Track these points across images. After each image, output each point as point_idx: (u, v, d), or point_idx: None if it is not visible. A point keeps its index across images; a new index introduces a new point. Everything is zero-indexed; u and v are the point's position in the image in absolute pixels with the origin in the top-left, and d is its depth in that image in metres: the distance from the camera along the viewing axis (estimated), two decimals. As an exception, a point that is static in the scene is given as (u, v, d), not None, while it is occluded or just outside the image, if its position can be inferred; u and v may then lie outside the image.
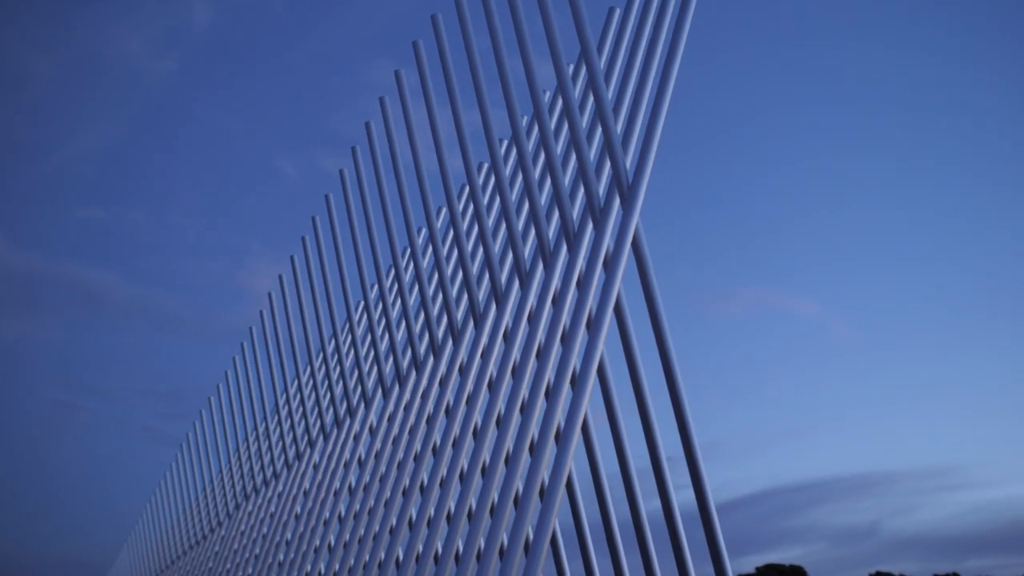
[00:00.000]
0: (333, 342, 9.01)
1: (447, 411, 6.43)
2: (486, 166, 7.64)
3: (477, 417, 5.88)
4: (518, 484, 4.75)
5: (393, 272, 8.01)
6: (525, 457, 4.74)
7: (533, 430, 4.77)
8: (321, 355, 9.29)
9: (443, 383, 6.54)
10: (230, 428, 12.21)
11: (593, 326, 4.88)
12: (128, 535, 21.65)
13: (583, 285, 5.15)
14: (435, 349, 6.94)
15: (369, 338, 8.08)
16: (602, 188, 5.42)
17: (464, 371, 6.30)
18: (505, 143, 7.47)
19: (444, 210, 8.25)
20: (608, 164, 5.45)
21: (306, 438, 9.54)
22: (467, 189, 7.28)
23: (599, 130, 5.83)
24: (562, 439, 4.51)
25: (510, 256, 6.27)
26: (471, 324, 6.49)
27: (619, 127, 5.49)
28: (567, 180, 5.81)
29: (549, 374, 4.98)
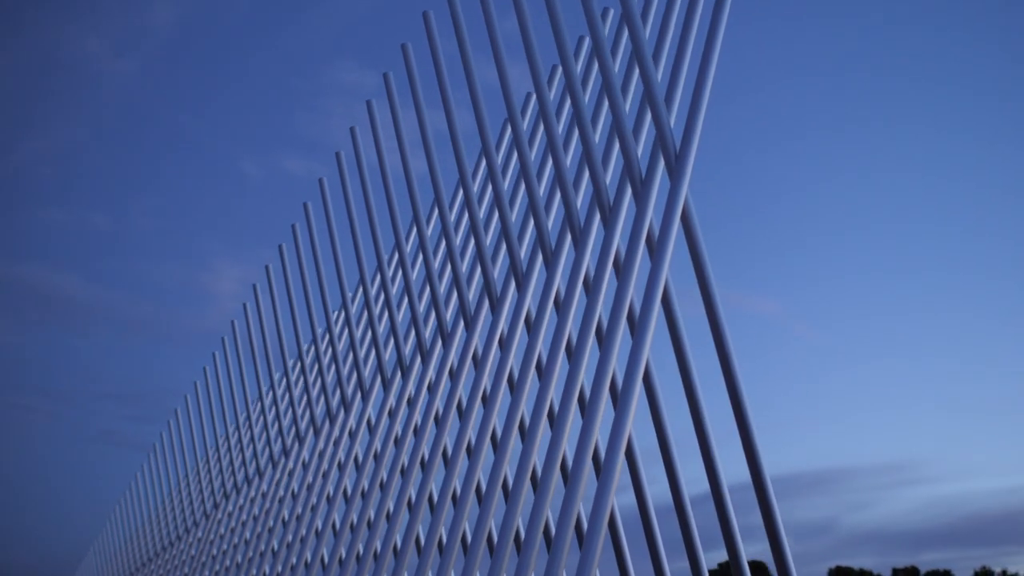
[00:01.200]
0: (312, 350, 8.74)
1: (415, 432, 6.20)
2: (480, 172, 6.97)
3: (446, 441, 5.62)
4: (490, 524, 4.54)
5: (378, 278, 7.68)
6: (498, 495, 4.51)
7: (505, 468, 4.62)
8: (286, 372, 9.09)
9: (432, 388, 6.09)
10: (207, 430, 11.69)
11: (638, 328, 4.10)
12: (93, 540, 21.25)
13: (593, 287, 4.54)
14: (423, 354, 6.52)
15: (351, 342, 7.71)
16: (640, 152, 4.68)
17: (455, 377, 5.74)
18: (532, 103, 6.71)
19: (436, 213, 7.29)
20: (643, 128, 4.79)
21: (264, 455, 9.45)
22: (462, 192, 6.50)
23: (633, 85, 5.13)
24: (540, 483, 4.09)
25: (503, 256, 6.10)
26: (462, 327, 6.04)
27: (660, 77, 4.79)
28: (595, 150, 4.95)
29: (551, 393, 4.58)
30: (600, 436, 4.59)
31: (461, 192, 6.76)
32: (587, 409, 4.23)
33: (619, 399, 4.22)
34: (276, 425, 9.22)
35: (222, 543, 9.79)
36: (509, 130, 6.73)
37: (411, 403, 6.40)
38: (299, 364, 8.77)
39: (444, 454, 5.63)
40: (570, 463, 5.08)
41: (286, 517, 8.02)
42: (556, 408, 4.80)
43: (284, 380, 9.23)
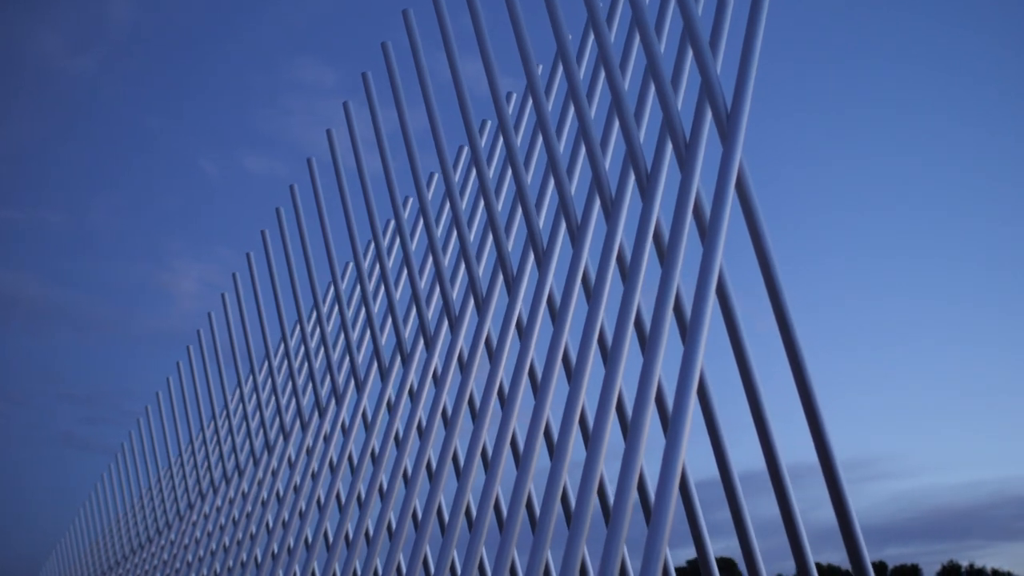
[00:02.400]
0: (267, 368, 8.82)
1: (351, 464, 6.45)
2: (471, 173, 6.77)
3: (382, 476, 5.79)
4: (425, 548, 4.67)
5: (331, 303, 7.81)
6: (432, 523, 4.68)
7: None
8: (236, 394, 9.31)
9: (369, 422, 6.27)
10: (169, 439, 11.58)
11: (695, 315, 3.70)
12: (54, 543, 20.60)
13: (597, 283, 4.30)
14: (360, 382, 6.68)
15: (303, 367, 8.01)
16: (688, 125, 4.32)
17: (416, 396, 5.84)
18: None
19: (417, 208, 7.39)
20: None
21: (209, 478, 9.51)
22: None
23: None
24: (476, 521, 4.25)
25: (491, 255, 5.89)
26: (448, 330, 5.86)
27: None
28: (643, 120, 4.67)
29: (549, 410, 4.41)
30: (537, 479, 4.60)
31: (450, 207, 6.17)
32: (522, 455, 4.16)
33: (589, 433, 4.15)
34: (239, 434, 9.13)
35: (185, 554, 9.55)
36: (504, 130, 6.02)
37: (345, 432, 6.58)
38: (267, 369, 8.62)
39: (380, 489, 5.86)
40: (504, 507, 5.19)
41: (240, 537, 8.06)
42: (489, 450, 5.05)
43: (252, 387, 9.04)
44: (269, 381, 8.62)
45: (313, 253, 7.33)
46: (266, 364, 8.66)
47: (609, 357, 3.99)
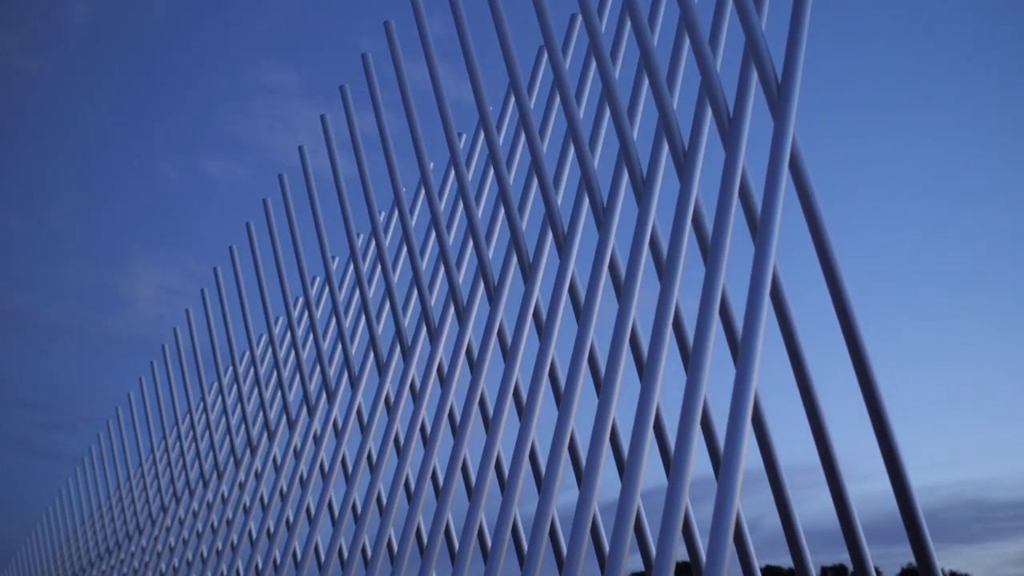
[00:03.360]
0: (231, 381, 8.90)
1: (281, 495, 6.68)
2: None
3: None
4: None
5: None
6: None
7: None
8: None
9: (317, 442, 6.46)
10: (128, 451, 11.42)
11: (752, 309, 3.34)
12: (13, 551, 19.89)
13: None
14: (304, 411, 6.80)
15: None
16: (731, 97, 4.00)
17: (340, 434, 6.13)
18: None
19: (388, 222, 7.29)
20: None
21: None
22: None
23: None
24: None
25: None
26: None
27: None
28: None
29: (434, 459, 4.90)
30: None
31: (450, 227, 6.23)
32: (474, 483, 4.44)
33: (542, 474, 4.48)
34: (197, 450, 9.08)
35: (159, 562, 9.30)
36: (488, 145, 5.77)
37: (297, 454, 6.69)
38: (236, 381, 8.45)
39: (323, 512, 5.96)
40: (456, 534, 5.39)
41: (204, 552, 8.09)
42: (440, 477, 5.37)
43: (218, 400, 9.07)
44: (236, 391, 8.44)
45: (267, 279, 7.52)
46: (232, 379, 8.61)
47: (563, 396, 4.05)
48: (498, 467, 5.06)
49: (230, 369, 8.98)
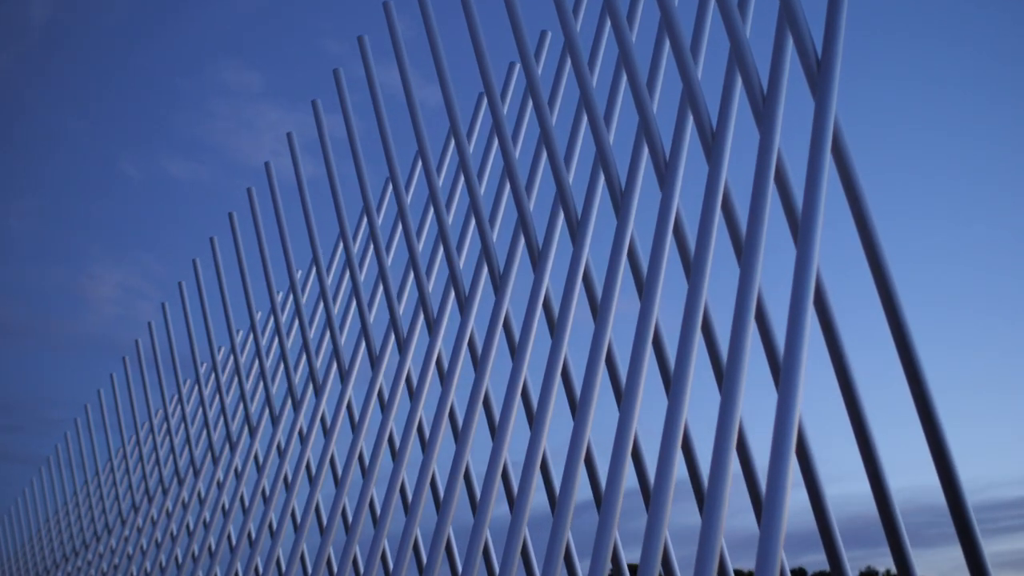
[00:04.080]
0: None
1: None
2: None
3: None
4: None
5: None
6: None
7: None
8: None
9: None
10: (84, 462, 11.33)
11: (797, 305, 3.04)
12: None
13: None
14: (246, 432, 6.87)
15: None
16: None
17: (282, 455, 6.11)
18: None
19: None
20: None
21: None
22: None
23: None
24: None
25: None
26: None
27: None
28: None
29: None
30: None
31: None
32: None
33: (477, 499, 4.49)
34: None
35: (129, 564, 8.99)
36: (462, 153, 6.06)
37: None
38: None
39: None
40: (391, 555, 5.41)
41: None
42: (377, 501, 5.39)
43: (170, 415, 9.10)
44: (215, 382, 8.26)
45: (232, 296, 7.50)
46: (209, 371, 8.58)
47: (498, 425, 4.13)
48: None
49: (207, 363, 8.88)
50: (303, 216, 6.36)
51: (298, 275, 7.13)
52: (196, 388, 8.70)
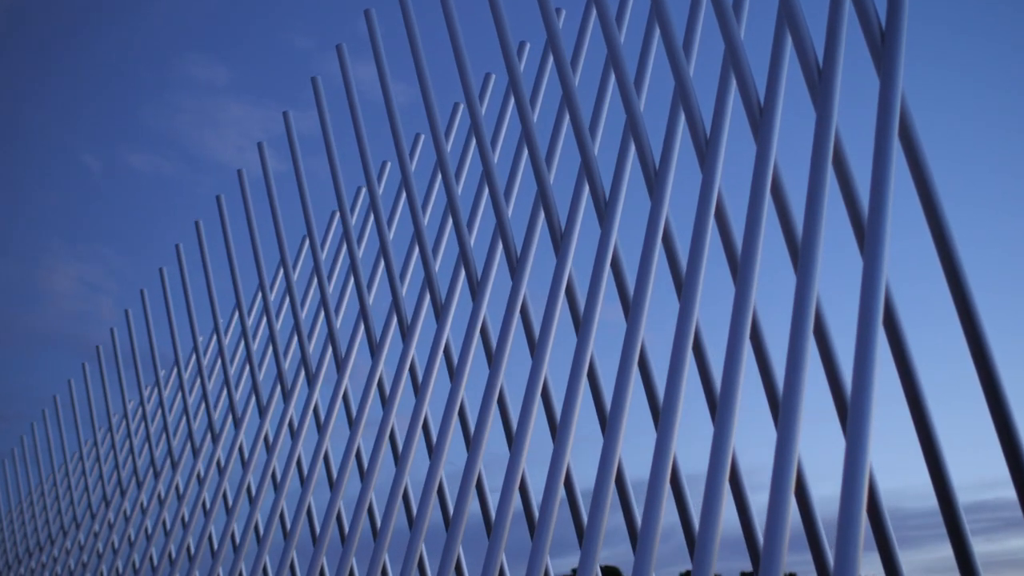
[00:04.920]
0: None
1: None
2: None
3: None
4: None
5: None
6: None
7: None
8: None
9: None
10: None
11: (865, 293, 2.81)
12: None
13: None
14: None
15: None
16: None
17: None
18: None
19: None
20: None
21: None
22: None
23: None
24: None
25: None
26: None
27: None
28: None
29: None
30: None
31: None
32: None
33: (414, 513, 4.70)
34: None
35: (99, 563, 8.83)
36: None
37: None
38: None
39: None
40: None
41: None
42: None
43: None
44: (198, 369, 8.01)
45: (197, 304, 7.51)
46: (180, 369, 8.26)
47: (434, 448, 4.29)
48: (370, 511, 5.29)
49: (166, 370, 8.77)
50: (272, 221, 6.35)
51: (268, 282, 7.05)
52: (155, 391, 8.64)
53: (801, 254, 3.02)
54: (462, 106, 5.85)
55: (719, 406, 2.98)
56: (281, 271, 6.98)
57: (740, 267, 3.12)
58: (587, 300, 3.80)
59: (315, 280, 6.55)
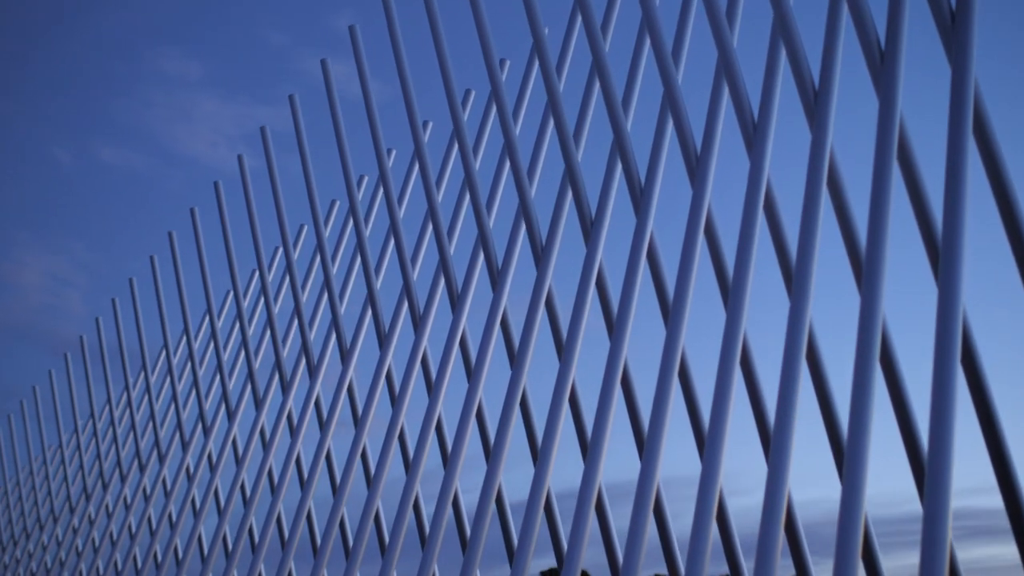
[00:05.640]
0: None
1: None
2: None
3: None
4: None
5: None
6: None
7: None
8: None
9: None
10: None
11: (941, 259, 2.63)
12: None
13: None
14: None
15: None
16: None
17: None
18: None
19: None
20: None
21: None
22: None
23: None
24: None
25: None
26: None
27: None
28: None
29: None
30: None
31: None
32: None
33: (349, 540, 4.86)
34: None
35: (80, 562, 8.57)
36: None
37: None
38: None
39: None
40: None
41: None
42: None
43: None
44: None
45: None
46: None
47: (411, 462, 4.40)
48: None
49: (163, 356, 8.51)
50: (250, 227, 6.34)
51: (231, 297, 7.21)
52: (125, 395, 8.54)
53: (795, 278, 2.90)
54: (431, 124, 5.91)
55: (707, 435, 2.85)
56: (257, 274, 6.96)
57: (731, 291, 3.00)
58: (571, 319, 3.67)
59: (288, 283, 6.48)
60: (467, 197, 5.10)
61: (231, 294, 7.34)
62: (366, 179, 6.37)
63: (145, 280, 7.73)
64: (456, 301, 4.50)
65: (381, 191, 6.00)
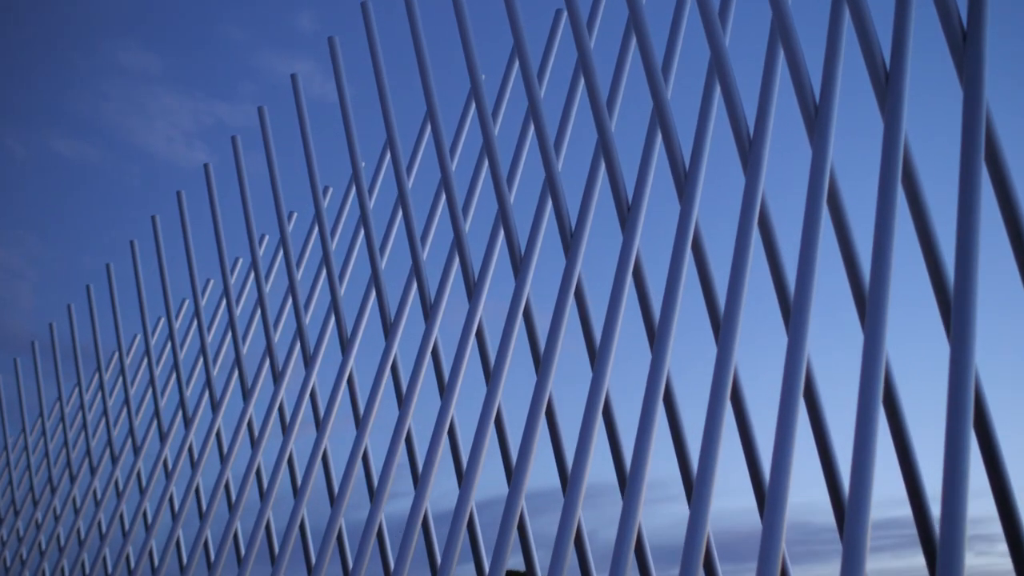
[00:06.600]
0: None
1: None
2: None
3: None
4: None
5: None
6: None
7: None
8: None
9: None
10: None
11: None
12: None
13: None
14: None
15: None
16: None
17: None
18: None
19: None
20: None
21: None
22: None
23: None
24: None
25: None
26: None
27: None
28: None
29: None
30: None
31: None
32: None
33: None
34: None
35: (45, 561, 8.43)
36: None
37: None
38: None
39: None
40: None
41: None
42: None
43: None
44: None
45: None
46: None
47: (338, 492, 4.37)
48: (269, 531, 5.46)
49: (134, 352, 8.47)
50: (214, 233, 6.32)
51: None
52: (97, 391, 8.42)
53: (793, 310, 2.69)
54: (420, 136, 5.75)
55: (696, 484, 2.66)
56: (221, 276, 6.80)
57: (722, 323, 2.78)
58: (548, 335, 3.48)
59: (252, 277, 6.47)
60: (443, 198, 4.91)
61: (186, 301, 7.49)
62: (331, 191, 6.26)
63: (124, 266, 7.65)
64: (429, 311, 4.37)
65: (351, 200, 5.87)
